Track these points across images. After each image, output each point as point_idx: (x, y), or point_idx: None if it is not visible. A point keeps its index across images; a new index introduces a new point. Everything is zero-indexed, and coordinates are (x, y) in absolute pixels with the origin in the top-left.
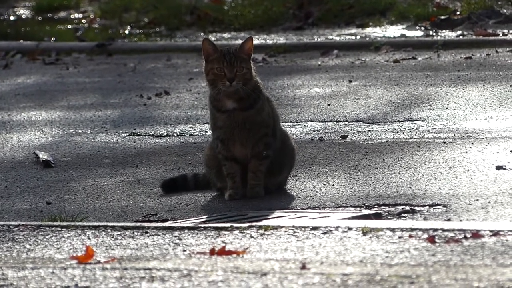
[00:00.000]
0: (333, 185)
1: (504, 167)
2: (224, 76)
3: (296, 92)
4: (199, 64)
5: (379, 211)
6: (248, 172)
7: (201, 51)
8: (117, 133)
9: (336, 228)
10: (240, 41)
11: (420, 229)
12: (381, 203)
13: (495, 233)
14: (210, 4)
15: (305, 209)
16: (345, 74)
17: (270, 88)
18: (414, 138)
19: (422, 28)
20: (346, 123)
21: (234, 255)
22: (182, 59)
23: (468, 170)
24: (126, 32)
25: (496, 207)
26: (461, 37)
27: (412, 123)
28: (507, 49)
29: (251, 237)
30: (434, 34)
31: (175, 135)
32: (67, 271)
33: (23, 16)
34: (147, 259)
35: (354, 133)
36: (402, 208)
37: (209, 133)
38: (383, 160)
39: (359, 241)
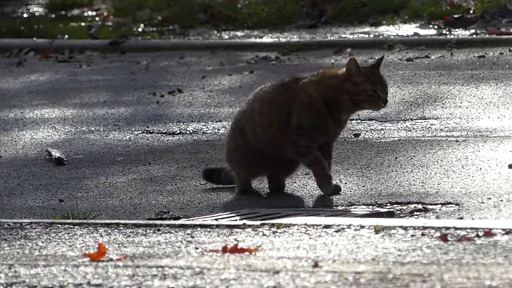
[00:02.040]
0: (346, 183)
1: None
2: (379, 99)
3: None
4: (212, 62)
5: (391, 209)
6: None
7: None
8: (129, 131)
9: (349, 226)
10: (253, 39)
11: (432, 228)
12: (394, 201)
13: (508, 232)
14: (223, 2)
15: (317, 207)
16: None
17: None
18: (427, 137)
19: (436, 26)
20: (359, 121)
21: (247, 253)
22: (195, 57)
23: (480, 168)
24: (140, 30)
25: (509, 205)
26: (474, 36)
27: (425, 121)
28: None
29: (264, 235)
30: (447, 32)
31: (188, 132)
32: (80, 268)
33: (36, 14)
34: (160, 257)
35: (366, 131)
36: (415, 207)
37: (222, 131)
38: (396, 158)
39: (372, 239)
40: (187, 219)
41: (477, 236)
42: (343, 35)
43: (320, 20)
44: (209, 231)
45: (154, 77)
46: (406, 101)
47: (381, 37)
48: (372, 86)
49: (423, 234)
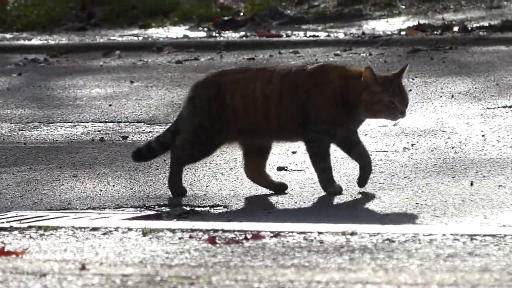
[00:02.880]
0: (114, 185)
1: (285, 168)
2: (396, 109)
3: (78, 93)
4: None
5: (159, 212)
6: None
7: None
8: None
9: (116, 229)
10: (22, 42)
11: (200, 230)
12: (162, 203)
13: (276, 234)
14: None
15: (85, 209)
16: (127, 75)
17: (52, 89)
18: None
19: (206, 29)
20: (127, 123)
21: (13, 256)
22: None
23: None
24: None
25: (277, 208)
26: (244, 38)
27: None
28: (290, 50)
29: (31, 237)
30: (217, 35)
31: None
32: None
33: None
34: None
35: (135, 133)
36: (183, 209)
37: None
38: (164, 160)
39: (139, 242)
40: None
41: (246, 238)
42: (112, 38)
43: (90, 22)
44: None
45: None
46: (175, 103)
47: (150, 39)
48: (389, 97)
49: (191, 237)
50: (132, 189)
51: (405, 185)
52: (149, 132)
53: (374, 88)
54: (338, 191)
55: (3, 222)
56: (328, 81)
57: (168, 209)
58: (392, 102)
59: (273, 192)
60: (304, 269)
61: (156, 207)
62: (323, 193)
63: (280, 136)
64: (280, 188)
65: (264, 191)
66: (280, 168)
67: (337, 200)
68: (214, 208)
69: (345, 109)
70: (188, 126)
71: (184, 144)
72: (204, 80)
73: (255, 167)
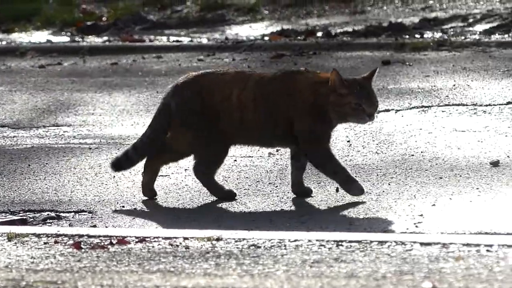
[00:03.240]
0: None
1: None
2: (364, 112)
3: None
4: None
5: (24, 217)
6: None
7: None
8: None
9: None
10: None
11: (66, 235)
12: (27, 209)
13: (141, 240)
14: None
15: None
16: None
17: None
18: (60, 144)
19: (69, 33)
20: None
21: None
22: None
23: (114, 176)
24: None
25: (142, 213)
26: (107, 42)
27: (57, 128)
28: (153, 55)
29: None
30: (80, 39)
31: None
32: None
33: None
34: None
35: None
36: (48, 214)
37: None
38: (29, 165)
39: (5, 247)
40: None
41: (111, 244)
42: None
43: None
44: None
45: None
46: (39, 108)
47: (13, 44)
48: (356, 100)
49: (56, 242)
50: None
51: (271, 191)
52: (13, 137)
53: (341, 91)
54: (361, 189)
55: None
56: (299, 88)
57: (33, 214)
58: (359, 105)
59: (138, 198)
60: (170, 274)
61: (21, 212)
62: (188, 198)
63: (259, 142)
64: (230, 196)
65: (129, 196)
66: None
67: (202, 205)
68: (79, 213)
69: (320, 115)
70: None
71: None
72: (184, 82)
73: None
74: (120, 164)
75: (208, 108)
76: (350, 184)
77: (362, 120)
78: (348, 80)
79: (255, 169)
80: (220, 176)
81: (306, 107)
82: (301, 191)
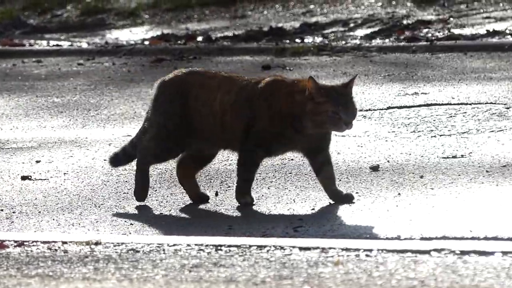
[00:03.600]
0: None
1: (29, 177)
2: (341, 120)
3: None
4: None
5: None
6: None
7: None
8: None
9: None
10: None
11: None
12: None
13: (20, 244)
14: None
15: None
16: None
17: None
18: None
19: None
20: None
21: None
22: None
23: None
24: None
25: (21, 217)
26: None
27: None
28: (33, 59)
29: None
30: None
31: None
32: None
33: None
34: None
35: None
36: None
37: None
38: None
39: None
40: None
41: None
42: None
43: None
44: None
45: None
46: None
47: None
48: (333, 108)
49: None
50: None
51: (150, 195)
52: None
53: (317, 99)
54: (250, 201)
55: None
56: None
57: None
58: (336, 113)
59: (17, 201)
60: (48, 279)
61: None
62: (67, 202)
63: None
64: (202, 199)
65: (8, 200)
66: (24, 178)
67: (81, 209)
68: None
69: (292, 123)
70: (155, 125)
71: (150, 143)
72: (170, 79)
73: (190, 171)
74: (118, 160)
75: (188, 107)
76: (243, 196)
77: (339, 128)
78: (325, 87)
79: (134, 173)
80: (99, 180)
81: (275, 113)
82: (339, 198)
